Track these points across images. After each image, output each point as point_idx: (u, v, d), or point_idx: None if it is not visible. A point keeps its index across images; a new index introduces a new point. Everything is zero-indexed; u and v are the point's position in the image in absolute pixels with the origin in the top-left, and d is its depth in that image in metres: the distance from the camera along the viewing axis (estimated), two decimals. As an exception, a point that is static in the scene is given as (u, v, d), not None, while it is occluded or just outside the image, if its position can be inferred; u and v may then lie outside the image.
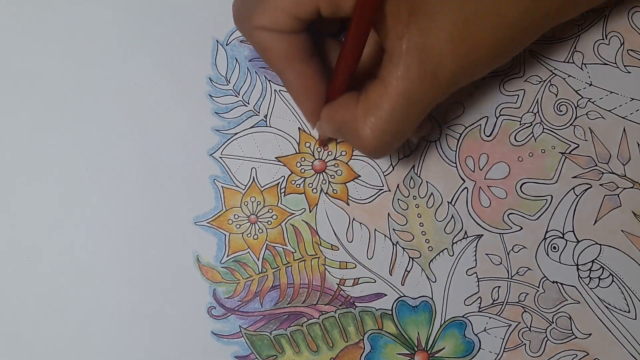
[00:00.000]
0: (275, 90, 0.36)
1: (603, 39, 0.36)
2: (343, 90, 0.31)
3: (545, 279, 0.35)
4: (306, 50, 0.30)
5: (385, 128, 0.29)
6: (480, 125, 0.36)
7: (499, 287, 0.35)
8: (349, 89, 0.31)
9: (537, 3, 0.28)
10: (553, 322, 0.35)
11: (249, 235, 0.35)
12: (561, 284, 0.35)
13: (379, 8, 0.27)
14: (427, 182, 0.36)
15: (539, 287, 0.35)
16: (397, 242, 0.35)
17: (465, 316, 0.35)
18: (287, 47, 0.29)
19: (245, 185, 0.35)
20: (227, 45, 0.36)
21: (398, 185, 0.36)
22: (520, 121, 0.36)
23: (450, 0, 0.27)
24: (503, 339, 0.35)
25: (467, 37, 0.28)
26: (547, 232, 0.35)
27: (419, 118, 0.29)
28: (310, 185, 0.36)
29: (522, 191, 0.35)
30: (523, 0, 0.28)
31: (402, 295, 0.35)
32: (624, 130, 0.36)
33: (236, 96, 0.36)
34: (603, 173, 0.35)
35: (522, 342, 0.35)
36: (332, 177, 0.36)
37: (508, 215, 0.35)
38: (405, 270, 0.35)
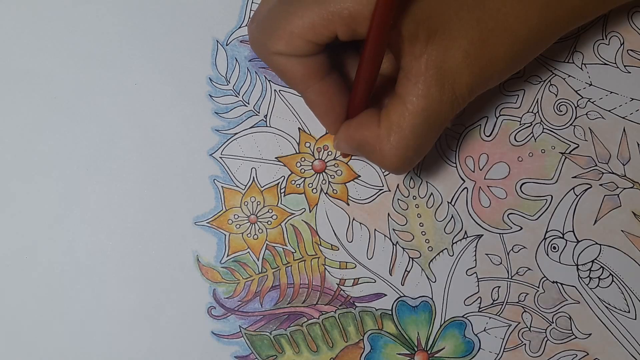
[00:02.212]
0: (275, 90, 0.36)
1: (603, 39, 0.36)
2: (362, 107, 0.31)
3: (545, 279, 0.35)
4: (324, 68, 0.30)
5: (409, 145, 0.29)
6: (480, 125, 0.36)
7: (499, 287, 0.35)
8: (367, 104, 0.31)
9: (545, 19, 0.29)
10: (553, 322, 0.35)
11: (249, 235, 0.35)
12: (561, 284, 0.35)
13: (393, 30, 0.28)
14: (427, 182, 0.36)
15: (538, 287, 0.35)
16: (397, 242, 0.35)
17: (465, 316, 0.35)
18: (305, 69, 0.29)
19: (245, 185, 0.35)
20: (227, 45, 0.36)
21: (398, 185, 0.36)
22: (520, 121, 0.36)
23: (467, 21, 0.28)
24: (503, 339, 0.35)
25: (482, 55, 0.29)
26: (547, 232, 0.35)
27: (439, 132, 0.30)
28: (310, 185, 0.36)
29: (522, 191, 0.35)
30: (533, 17, 0.29)
31: (402, 295, 0.35)
32: (624, 130, 0.36)
33: (236, 96, 0.36)
34: (603, 173, 0.35)
35: (522, 342, 0.35)
36: (332, 177, 0.36)
37: (508, 215, 0.35)
38: (405, 270, 0.35)
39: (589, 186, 0.35)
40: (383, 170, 0.36)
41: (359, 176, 0.36)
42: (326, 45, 0.29)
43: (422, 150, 0.31)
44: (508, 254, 0.35)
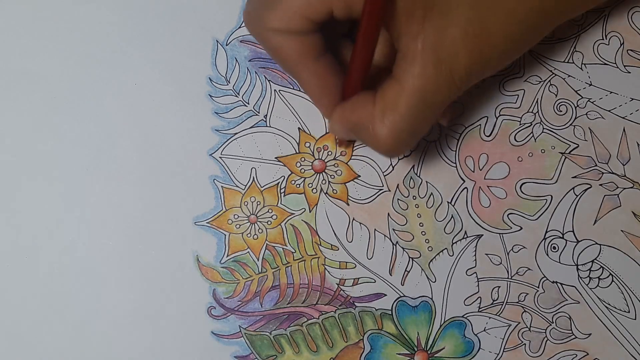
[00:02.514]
0: (275, 90, 0.36)
1: (603, 39, 0.36)
2: (357, 89, 0.30)
3: (545, 279, 0.35)
4: (319, 48, 0.30)
5: (403, 127, 0.29)
6: (480, 125, 0.36)
7: (499, 287, 0.35)
8: (363, 87, 0.31)
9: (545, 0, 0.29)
10: (553, 322, 0.35)
11: (249, 235, 0.35)
12: (561, 284, 0.35)
13: (389, 8, 0.27)
14: (427, 182, 0.36)
15: (538, 287, 0.35)
16: (397, 242, 0.35)
17: (465, 316, 0.35)
18: (300, 47, 0.29)
19: (245, 185, 0.35)
20: (227, 45, 0.36)
21: (398, 185, 0.36)
22: (520, 121, 0.36)
23: None
24: (503, 339, 0.35)
25: (480, 34, 0.28)
26: (547, 232, 0.35)
27: (435, 115, 0.30)
28: (310, 185, 0.36)
29: (522, 191, 0.35)
30: None
31: (402, 295, 0.35)
32: (624, 130, 0.36)
33: (236, 96, 0.36)
34: (603, 173, 0.35)
35: (522, 342, 0.35)
36: (332, 177, 0.36)
37: (508, 215, 0.35)
38: (405, 270, 0.35)
39: (589, 186, 0.35)
40: (383, 170, 0.36)
41: (359, 176, 0.36)
42: (322, 26, 0.29)
43: (417, 133, 0.30)
44: (508, 254, 0.35)
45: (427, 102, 0.29)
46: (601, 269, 0.35)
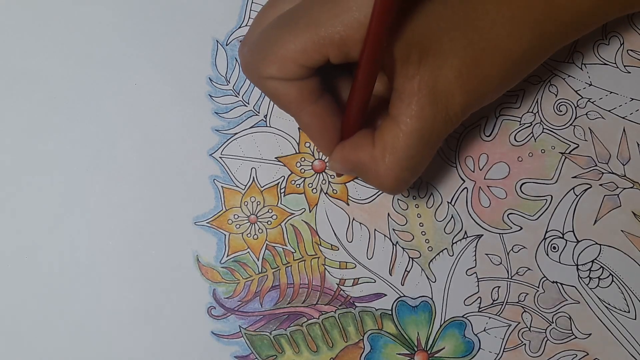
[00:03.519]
0: (275, 90, 0.36)
1: (603, 39, 0.36)
2: (356, 128, 0.31)
3: (545, 279, 0.35)
4: (317, 91, 0.30)
5: (403, 166, 0.29)
6: (480, 125, 0.36)
7: (499, 287, 0.35)
8: (361, 126, 0.31)
9: (538, 36, 0.29)
10: (553, 322, 0.35)
11: (249, 235, 0.35)
12: (561, 284, 0.35)
13: (385, 52, 0.28)
14: (427, 182, 0.36)
15: (538, 287, 0.35)
16: (397, 242, 0.35)
17: (465, 316, 0.35)
18: (297, 92, 0.29)
19: (245, 185, 0.35)
20: (227, 45, 0.36)
21: (398, 185, 0.36)
22: (520, 121, 0.36)
23: (459, 41, 0.28)
24: (503, 339, 0.35)
25: (475, 74, 0.29)
26: (547, 232, 0.35)
27: (434, 152, 0.30)
28: (310, 185, 0.36)
29: (522, 191, 0.35)
30: (524, 35, 0.29)
31: (402, 295, 0.35)
32: (624, 130, 0.36)
33: (236, 96, 0.36)
34: (603, 173, 0.35)
35: (522, 342, 0.35)
36: (332, 177, 0.36)
37: (508, 215, 0.35)
38: (405, 270, 0.35)
39: (589, 186, 0.35)
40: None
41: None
42: (318, 68, 0.29)
43: (418, 170, 0.30)
44: (508, 254, 0.35)
45: (425, 141, 0.29)
46: (601, 269, 0.35)
